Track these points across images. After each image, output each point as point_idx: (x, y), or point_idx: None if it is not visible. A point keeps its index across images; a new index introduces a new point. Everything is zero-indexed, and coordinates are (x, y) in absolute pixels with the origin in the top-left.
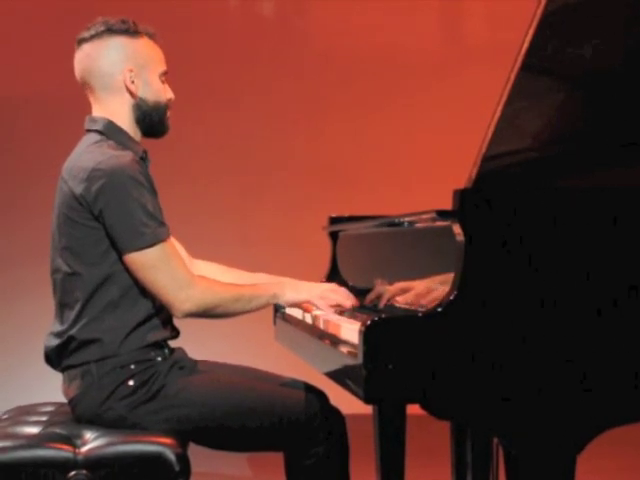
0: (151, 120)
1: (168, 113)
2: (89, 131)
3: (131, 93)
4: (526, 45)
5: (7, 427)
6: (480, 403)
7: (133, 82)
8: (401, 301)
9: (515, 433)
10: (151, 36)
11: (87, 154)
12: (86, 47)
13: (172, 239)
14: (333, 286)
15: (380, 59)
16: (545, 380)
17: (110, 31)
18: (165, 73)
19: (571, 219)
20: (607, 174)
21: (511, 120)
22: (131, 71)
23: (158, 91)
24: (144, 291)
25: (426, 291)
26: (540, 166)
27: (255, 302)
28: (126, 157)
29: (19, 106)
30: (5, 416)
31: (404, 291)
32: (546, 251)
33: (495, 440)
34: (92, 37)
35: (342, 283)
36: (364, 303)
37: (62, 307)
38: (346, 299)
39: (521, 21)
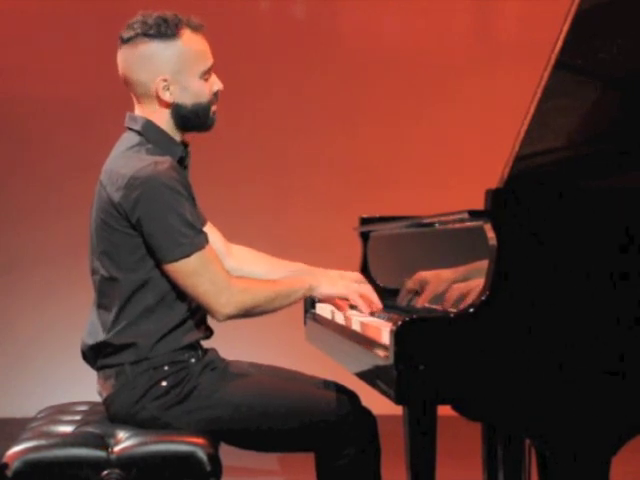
0: (191, 122)
1: (213, 107)
2: (129, 129)
3: (165, 102)
4: (560, 43)
5: (42, 426)
6: (512, 404)
7: (168, 89)
8: (422, 300)
9: (548, 435)
10: (195, 28)
11: (125, 159)
12: (124, 50)
13: (210, 226)
14: (361, 279)
15: (411, 59)
16: (579, 381)
17: (145, 35)
18: (209, 69)
19: (604, 219)
20: None
21: (544, 119)
22: (165, 80)
23: (198, 92)
24: (180, 296)
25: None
26: (573, 166)
27: (293, 296)
28: (164, 164)
29: (53, 106)
30: (40, 415)
31: (423, 285)
32: (579, 252)
33: (527, 441)
34: (129, 40)
35: (372, 283)
36: (399, 304)
37: (99, 308)
38: (377, 303)
39: (553, 20)
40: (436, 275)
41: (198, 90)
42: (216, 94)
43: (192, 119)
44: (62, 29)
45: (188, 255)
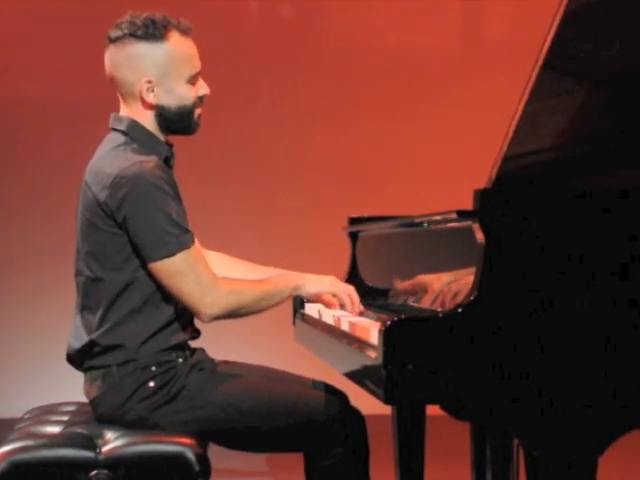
0: (174, 125)
1: (197, 111)
2: (113, 130)
3: (148, 104)
4: (547, 44)
5: (29, 427)
6: (500, 404)
7: (153, 91)
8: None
9: (536, 434)
10: (184, 31)
11: (111, 158)
12: (111, 49)
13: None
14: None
15: (400, 59)
16: (566, 381)
17: (132, 36)
18: (197, 74)
19: (592, 220)
20: (628, 175)
21: (532, 120)
22: (149, 82)
23: (182, 96)
24: (166, 297)
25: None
26: (561, 166)
27: (278, 297)
28: (150, 163)
29: (39, 107)
30: (27, 416)
31: (418, 288)
32: (567, 252)
33: (515, 441)
34: (116, 40)
35: (361, 283)
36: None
37: (84, 310)
38: (358, 304)
39: (543, 20)
40: (437, 278)
41: (183, 94)
42: (201, 98)
43: (176, 122)
44: (51, 29)
45: (173, 254)
